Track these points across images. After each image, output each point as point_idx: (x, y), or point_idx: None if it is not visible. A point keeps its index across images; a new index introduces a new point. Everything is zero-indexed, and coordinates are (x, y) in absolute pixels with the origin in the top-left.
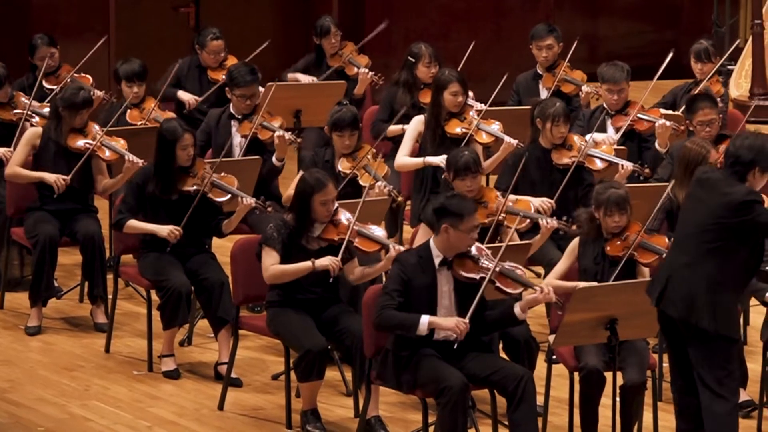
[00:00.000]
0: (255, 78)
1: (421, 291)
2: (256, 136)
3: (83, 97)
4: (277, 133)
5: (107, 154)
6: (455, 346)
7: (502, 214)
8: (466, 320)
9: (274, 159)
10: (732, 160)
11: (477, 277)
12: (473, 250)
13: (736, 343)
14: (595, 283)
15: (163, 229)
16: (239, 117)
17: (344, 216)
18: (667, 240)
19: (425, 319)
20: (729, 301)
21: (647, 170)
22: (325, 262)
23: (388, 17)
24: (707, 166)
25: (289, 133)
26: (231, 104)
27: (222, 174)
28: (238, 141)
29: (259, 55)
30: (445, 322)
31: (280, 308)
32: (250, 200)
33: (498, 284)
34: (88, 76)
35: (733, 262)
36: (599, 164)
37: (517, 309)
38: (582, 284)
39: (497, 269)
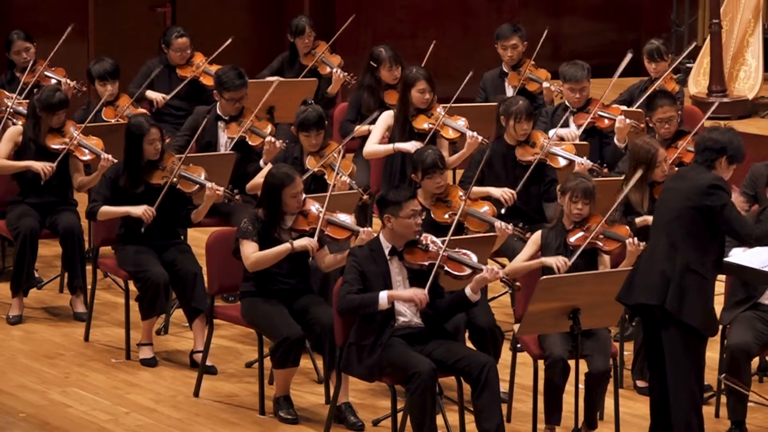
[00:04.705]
0: (243, 82)
1: (376, 280)
2: (243, 138)
3: (59, 98)
4: (268, 139)
5: (86, 154)
6: (417, 311)
7: (463, 215)
8: (425, 291)
9: (261, 162)
10: (702, 147)
11: (426, 263)
12: (422, 239)
13: (702, 336)
14: (558, 258)
15: (137, 209)
16: (226, 118)
17: (313, 206)
18: (628, 229)
19: (384, 294)
20: (699, 290)
21: (605, 170)
22: (304, 242)
23: (358, 16)
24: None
25: (280, 141)
26: (218, 105)
27: (189, 165)
28: (224, 141)
29: (232, 54)
30: (404, 293)
31: (255, 298)
32: (217, 188)
33: (447, 268)
34: (61, 69)
35: (707, 250)
36: (561, 162)
37: (468, 290)
38: (546, 259)
39: (445, 254)
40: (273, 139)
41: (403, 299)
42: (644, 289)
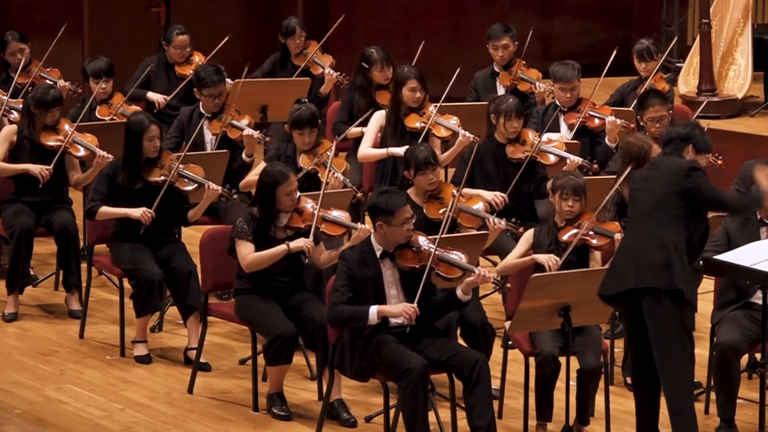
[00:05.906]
0: (221, 78)
1: (368, 284)
2: (225, 134)
3: (53, 96)
4: (245, 132)
5: (80, 151)
6: (407, 330)
7: (456, 211)
8: (414, 304)
9: (243, 155)
10: (668, 139)
11: (418, 265)
12: (417, 239)
13: (694, 311)
14: (549, 256)
15: (136, 211)
16: (209, 115)
17: (308, 204)
18: (619, 225)
19: (374, 309)
20: (689, 267)
21: (595, 166)
22: (300, 243)
23: (350, 16)
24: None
25: (257, 132)
26: (200, 103)
27: (188, 164)
28: (209, 138)
29: (226, 53)
30: (393, 308)
31: (249, 296)
32: (216, 188)
33: (438, 271)
34: (56, 69)
35: (691, 232)
36: (551, 159)
37: (459, 292)
38: (537, 256)
39: (437, 254)
40: (250, 131)
41: (392, 315)
42: (637, 276)
